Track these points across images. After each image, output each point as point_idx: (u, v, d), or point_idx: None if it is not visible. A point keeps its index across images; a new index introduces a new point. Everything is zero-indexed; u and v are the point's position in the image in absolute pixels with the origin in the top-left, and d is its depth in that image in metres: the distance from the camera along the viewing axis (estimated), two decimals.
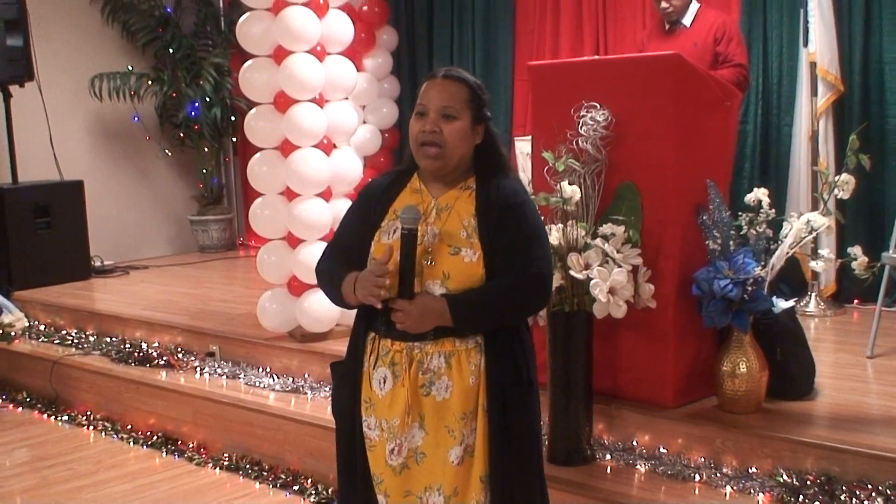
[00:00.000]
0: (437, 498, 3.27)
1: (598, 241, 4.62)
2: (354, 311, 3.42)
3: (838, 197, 4.77)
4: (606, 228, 4.67)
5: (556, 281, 4.62)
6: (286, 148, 6.43)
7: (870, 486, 4.16)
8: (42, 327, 8.25)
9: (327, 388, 5.95)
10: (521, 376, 3.31)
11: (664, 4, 6.67)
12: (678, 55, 4.94)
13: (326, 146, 6.51)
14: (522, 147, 6.98)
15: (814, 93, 6.87)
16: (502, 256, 3.21)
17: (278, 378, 6.45)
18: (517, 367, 3.31)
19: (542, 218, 3.51)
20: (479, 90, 3.35)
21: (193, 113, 10.42)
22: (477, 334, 3.26)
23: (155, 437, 6.45)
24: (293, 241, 6.50)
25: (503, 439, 3.25)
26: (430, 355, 3.25)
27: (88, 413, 7.00)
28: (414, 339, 3.24)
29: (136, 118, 10.55)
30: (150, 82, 10.40)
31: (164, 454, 6.24)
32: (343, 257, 3.40)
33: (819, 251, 4.93)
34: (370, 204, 3.39)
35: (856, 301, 7.04)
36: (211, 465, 6.00)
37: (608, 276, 4.53)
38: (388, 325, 3.25)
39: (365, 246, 3.33)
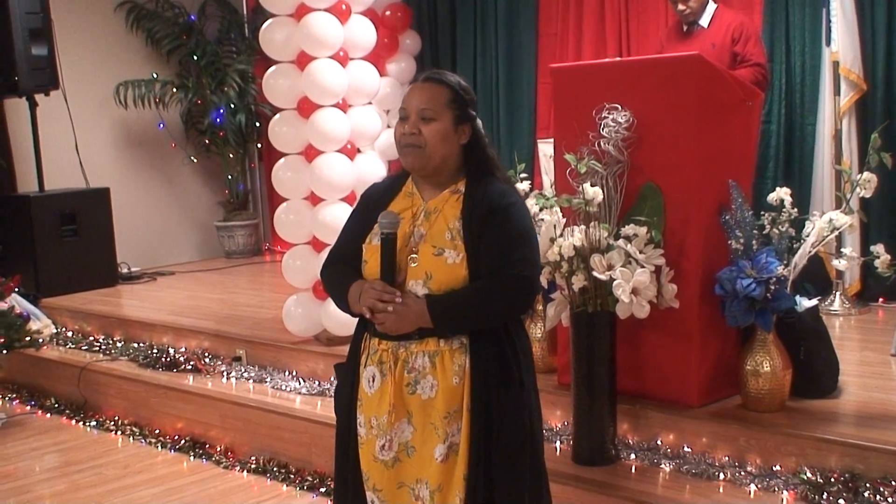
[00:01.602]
0: (424, 491, 3.32)
1: (621, 241, 4.64)
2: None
3: (861, 195, 4.76)
4: (629, 229, 4.68)
5: (580, 282, 4.63)
6: (310, 153, 6.47)
7: (894, 483, 4.16)
8: (69, 334, 8.32)
9: None
10: (509, 377, 3.32)
11: (681, 7, 6.66)
12: (699, 56, 4.95)
13: (350, 151, 6.55)
14: (545, 149, 6.99)
15: (836, 92, 6.86)
16: (485, 258, 3.25)
17: (304, 381, 6.48)
18: (505, 368, 3.32)
19: (532, 220, 3.51)
20: (461, 91, 3.39)
21: (218, 119, 10.49)
22: (460, 335, 3.30)
23: (182, 442, 6.49)
24: (318, 246, 6.53)
25: (487, 440, 3.27)
26: (415, 355, 3.31)
27: (116, 418, 7.05)
28: (399, 339, 3.31)
29: (161, 125, 10.63)
30: (174, 89, 10.48)
31: (191, 458, 6.29)
32: (346, 262, 3.47)
33: (842, 250, 4.92)
34: (367, 207, 3.49)
35: (881, 299, 7.02)
36: (238, 468, 6.04)
37: (631, 276, 4.55)
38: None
39: (362, 248, 3.42)
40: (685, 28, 6.81)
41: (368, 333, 3.41)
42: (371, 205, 3.48)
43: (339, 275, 3.48)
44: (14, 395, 7.85)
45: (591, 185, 4.66)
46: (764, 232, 4.79)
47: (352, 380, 3.45)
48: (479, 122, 3.44)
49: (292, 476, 5.79)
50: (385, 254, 3.26)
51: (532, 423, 3.39)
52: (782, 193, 4.78)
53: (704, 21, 6.70)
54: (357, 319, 3.49)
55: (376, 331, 3.34)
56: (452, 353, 3.29)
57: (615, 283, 4.54)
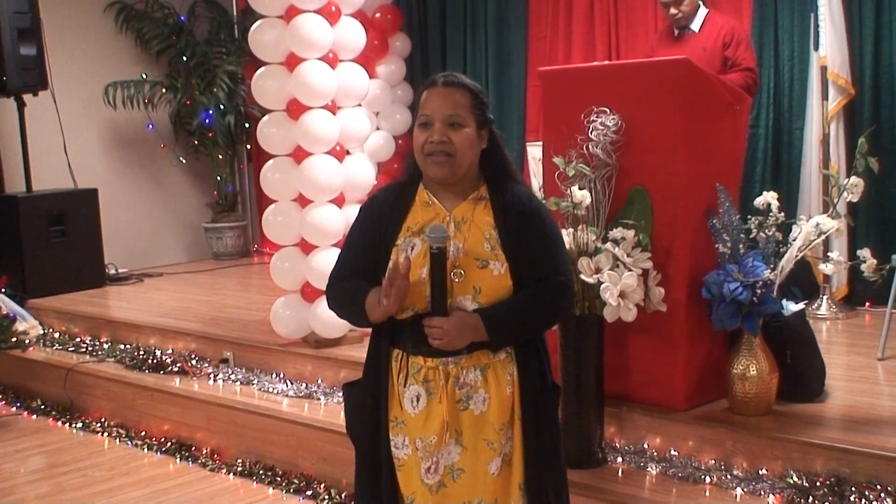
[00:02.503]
0: None
1: (609, 245, 4.64)
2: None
3: (848, 200, 4.78)
4: (617, 232, 4.69)
5: None
6: (299, 155, 6.46)
7: (879, 487, 4.17)
8: (56, 335, 8.29)
9: (340, 394, 5.94)
10: (546, 381, 3.34)
11: (673, 10, 6.69)
12: (687, 60, 4.96)
13: (339, 153, 6.54)
14: (534, 152, 7.00)
15: (825, 96, 6.87)
16: (528, 266, 3.21)
17: (292, 384, 6.47)
18: (542, 372, 3.33)
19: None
20: (480, 94, 3.29)
21: (207, 120, 10.47)
22: (511, 345, 3.27)
23: (169, 444, 6.47)
24: (306, 248, 6.53)
25: (538, 445, 3.27)
26: (466, 370, 3.23)
27: (103, 420, 7.03)
28: (448, 355, 3.21)
29: (150, 126, 10.60)
30: (164, 90, 10.46)
31: (177, 460, 6.27)
32: (357, 277, 3.33)
33: (829, 254, 4.93)
34: (379, 221, 3.33)
35: (868, 304, 7.03)
36: (224, 470, 6.03)
37: (619, 279, 4.55)
38: (418, 342, 3.22)
39: (380, 265, 3.26)
40: (676, 32, 6.84)
41: (405, 351, 3.28)
42: (384, 216, 3.34)
43: (351, 289, 3.34)
44: (0, 397, 7.82)
45: (580, 189, 4.67)
46: (751, 236, 4.80)
47: (375, 401, 3.33)
48: (493, 125, 3.35)
49: (279, 479, 5.78)
50: (437, 271, 3.13)
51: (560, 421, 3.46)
52: (769, 197, 4.79)
53: (696, 25, 6.73)
54: (375, 335, 3.39)
55: (417, 348, 3.24)
56: (503, 364, 3.26)
57: (603, 286, 4.54)
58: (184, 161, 10.95)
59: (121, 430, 6.82)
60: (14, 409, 7.56)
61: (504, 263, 3.18)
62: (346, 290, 3.36)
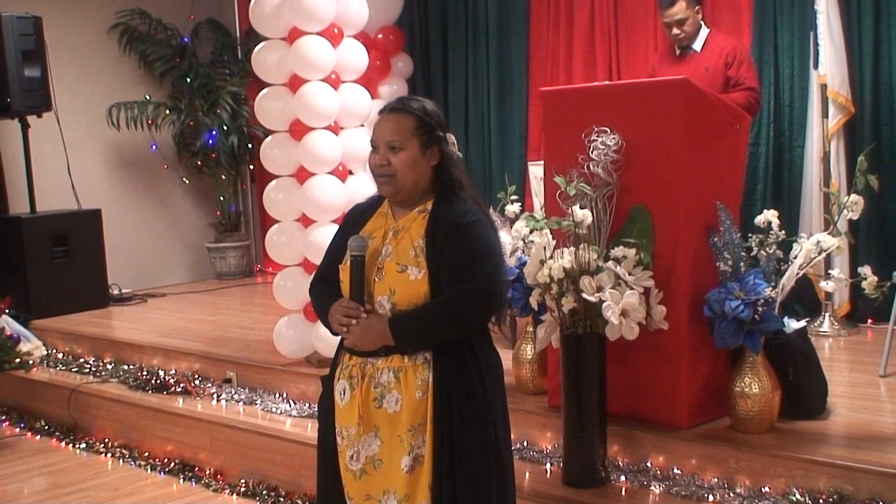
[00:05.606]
0: (392, 502, 3.45)
1: (610, 263, 4.65)
2: None
3: (848, 217, 4.79)
4: (618, 251, 4.69)
5: (570, 304, 4.64)
6: (302, 175, 6.49)
7: None
8: (60, 355, 8.30)
9: None
10: (471, 389, 3.45)
11: (675, 31, 6.70)
12: (687, 80, 4.98)
13: (342, 173, 6.56)
14: (536, 171, 7.01)
15: (825, 114, 6.89)
16: (444, 275, 3.40)
17: (295, 404, 6.48)
18: (467, 380, 3.45)
19: (497, 236, 3.63)
20: (425, 116, 3.54)
21: (211, 141, 10.50)
22: (422, 351, 3.45)
23: (172, 464, 6.46)
24: (309, 268, 6.53)
25: (450, 450, 3.41)
26: (381, 370, 3.48)
27: (106, 440, 7.03)
28: (367, 355, 3.50)
29: (153, 147, 10.64)
30: (167, 111, 10.51)
31: (181, 481, 6.27)
32: (330, 281, 3.67)
33: (830, 271, 4.94)
34: (349, 228, 3.67)
35: (870, 321, 7.03)
36: (228, 491, 6.02)
37: (620, 298, 4.56)
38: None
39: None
40: (678, 52, 6.85)
41: (345, 349, 3.58)
42: (351, 224, 3.69)
43: (323, 296, 3.67)
44: (3, 417, 7.83)
45: (581, 208, 4.68)
46: (752, 254, 4.81)
47: (331, 390, 3.62)
48: (449, 140, 3.61)
49: (282, 499, 5.78)
50: (354, 275, 3.48)
51: (496, 434, 3.52)
52: (769, 215, 4.80)
53: (698, 45, 6.75)
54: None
55: (347, 347, 3.55)
56: (416, 369, 3.45)
57: (605, 304, 4.55)
58: (187, 181, 10.99)
59: (124, 451, 6.81)
60: (18, 429, 7.57)
61: (423, 270, 3.43)
62: (319, 296, 3.72)
